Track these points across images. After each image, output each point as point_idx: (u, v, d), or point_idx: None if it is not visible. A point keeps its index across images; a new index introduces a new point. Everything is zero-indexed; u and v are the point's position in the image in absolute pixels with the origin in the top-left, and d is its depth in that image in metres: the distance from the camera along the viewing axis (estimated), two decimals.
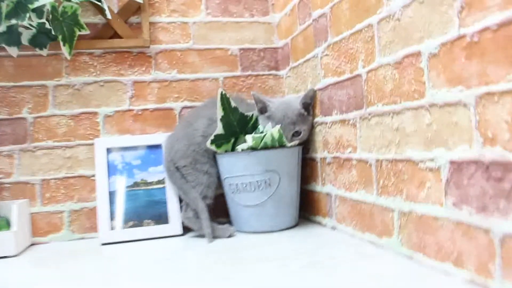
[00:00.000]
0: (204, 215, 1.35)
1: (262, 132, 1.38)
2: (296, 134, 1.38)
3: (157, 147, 1.54)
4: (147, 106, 1.60)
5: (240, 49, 1.69)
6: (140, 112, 1.59)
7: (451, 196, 0.81)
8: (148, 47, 1.59)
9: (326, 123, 1.31)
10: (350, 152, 1.18)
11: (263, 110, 1.41)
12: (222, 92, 1.36)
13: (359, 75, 1.11)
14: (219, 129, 1.37)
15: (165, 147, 1.48)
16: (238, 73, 1.69)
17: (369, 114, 1.07)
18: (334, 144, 1.28)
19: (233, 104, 1.38)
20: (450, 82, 0.80)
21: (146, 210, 1.47)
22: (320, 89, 1.34)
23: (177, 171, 1.43)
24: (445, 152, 0.82)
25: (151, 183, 1.51)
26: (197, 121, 1.46)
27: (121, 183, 1.49)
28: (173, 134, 1.49)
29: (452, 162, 0.81)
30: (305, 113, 1.38)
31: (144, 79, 1.60)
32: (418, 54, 0.88)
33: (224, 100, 1.36)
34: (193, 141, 1.43)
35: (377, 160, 1.05)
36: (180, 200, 1.45)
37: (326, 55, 1.28)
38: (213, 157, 1.43)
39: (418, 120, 0.89)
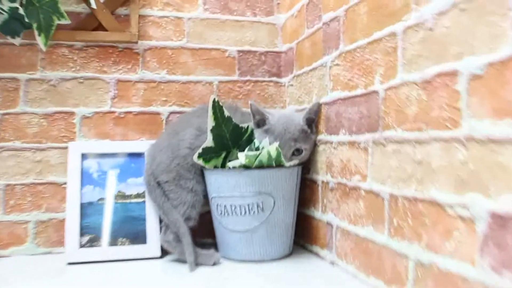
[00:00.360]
0: (186, 239, 1.18)
1: (257, 148, 1.21)
2: (297, 152, 1.20)
3: (138, 155, 1.37)
4: (131, 108, 1.43)
5: (239, 51, 1.52)
6: (122, 115, 1.42)
7: (488, 256, 0.64)
8: (136, 42, 1.42)
9: (332, 143, 1.14)
10: (358, 180, 1.01)
11: (260, 123, 1.24)
12: (214, 99, 1.18)
13: (375, 92, 0.94)
14: (208, 141, 1.20)
15: (147, 158, 1.31)
16: (235, 77, 1.51)
17: (385, 139, 0.90)
18: (339, 168, 1.10)
19: (226, 113, 1.21)
20: (497, 113, 0.63)
21: (122, 227, 1.30)
22: (327, 103, 1.17)
23: (158, 186, 1.25)
24: (484, 200, 0.65)
25: (129, 196, 1.34)
26: (184, 130, 1.28)
27: (95, 195, 1.32)
28: (156, 143, 1.32)
29: (493, 215, 0.64)
30: (308, 130, 1.22)
31: (129, 78, 1.43)
32: (454, 74, 0.71)
33: (217, 108, 1.19)
34: (178, 153, 1.25)
35: (392, 195, 0.88)
36: (160, 220, 1.28)
37: (337, 64, 1.11)
38: (200, 172, 1.26)
39: (449, 155, 0.72)
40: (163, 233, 1.24)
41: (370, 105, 0.96)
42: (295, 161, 1.21)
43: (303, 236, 1.34)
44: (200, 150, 1.19)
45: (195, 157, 1.19)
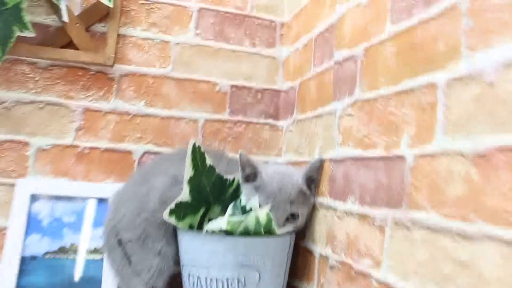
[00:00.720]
0: None
1: (243, 207, 0.98)
2: (292, 218, 0.98)
3: (101, 201, 1.14)
4: (98, 143, 1.20)
5: (232, 86, 1.31)
6: (87, 151, 1.19)
7: None
8: (112, 66, 1.20)
9: (336, 211, 0.92)
10: (369, 265, 0.79)
11: (251, 177, 1.01)
12: (194, 144, 0.96)
13: (400, 157, 0.72)
14: (184, 194, 0.97)
15: (109, 208, 1.07)
16: (225, 116, 1.29)
17: (412, 222, 0.68)
18: (344, 244, 0.88)
19: (208, 162, 0.98)
20: None
21: None
22: (334, 161, 0.95)
23: (118, 246, 1.02)
24: None
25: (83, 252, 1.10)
26: (156, 178, 1.06)
27: (42, 246, 1.08)
28: (122, 190, 1.08)
29: None
30: (308, 192, 1.00)
31: (100, 108, 1.21)
32: None
33: (197, 154, 0.97)
34: (147, 207, 1.02)
35: None
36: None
37: (350, 115, 0.90)
38: (172, 231, 1.03)
39: None
40: None
41: (392, 173, 0.74)
42: (289, 228, 0.98)
43: None
44: (172, 205, 0.96)
45: (165, 213, 0.96)
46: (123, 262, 1.00)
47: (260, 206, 0.96)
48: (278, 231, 0.95)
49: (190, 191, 0.97)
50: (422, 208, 0.66)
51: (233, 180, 1.03)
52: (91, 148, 1.19)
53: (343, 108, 0.93)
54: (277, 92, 1.33)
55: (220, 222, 0.92)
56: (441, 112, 0.64)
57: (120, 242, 1.02)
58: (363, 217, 0.82)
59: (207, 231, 0.95)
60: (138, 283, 0.98)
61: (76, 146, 1.18)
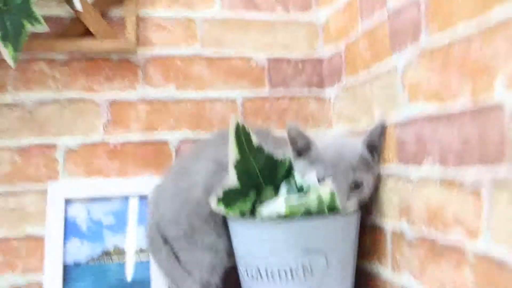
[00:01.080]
0: None
1: (300, 187, 0.87)
2: (356, 186, 0.86)
3: (141, 198, 1.04)
4: (130, 137, 1.11)
5: (269, 59, 1.19)
6: (118, 146, 1.10)
7: None
8: (135, 51, 1.11)
9: (409, 178, 0.80)
10: (461, 237, 0.66)
11: (303, 150, 0.90)
12: (238, 122, 0.85)
13: (496, 107, 0.60)
14: (232, 180, 0.87)
15: (150, 206, 0.98)
16: (265, 92, 1.18)
17: None
18: (423, 216, 0.76)
19: (255, 141, 0.87)
20: None
21: None
22: (400, 124, 0.83)
23: (164, 244, 0.93)
24: None
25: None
26: (196, 166, 0.96)
27: (83, 251, 0.99)
28: (160, 185, 0.99)
29: None
30: (370, 159, 0.88)
31: (127, 98, 1.11)
32: None
33: (241, 135, 0.86)
34: (190, 198, 0.93)
35: None
36: None
37: (416, 66, 0.77)
38: (222, 222, 0.93)
39: None
40: None
41: (484, 125, 0.62)
42: (354, 202, 0.86)
43: None
44: (220, 193, 0.86)
45: (213, 202, 0.86)
46: (172, 261, 0.91)
47: (318, 180, 0.84)
48: (343, 204, 0.83)
49: (238, 176, 0.87)
50: None
51: (285, 159, 0.91)
52: (123, 143, 1.10)
53: (406, 60, 0.80)
54: (319, 60, 1.21)
55: (277, 206, 0.81)
56: None
57: (165, 240, 0.93)
58: (447, 182, 0.69)
59: (262, 217, 0.84)
60: (190, 282, 0.88)
61: (106, 143, 1.10)
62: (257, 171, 0.89)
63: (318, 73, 1.21)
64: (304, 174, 0.88)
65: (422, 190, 0.76)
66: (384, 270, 0.90)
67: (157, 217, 0.94)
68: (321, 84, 1.21)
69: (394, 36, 0.84)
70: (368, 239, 0.96)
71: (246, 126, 0.87)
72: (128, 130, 1.11)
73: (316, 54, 1.22)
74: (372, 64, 0.93)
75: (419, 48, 0.76)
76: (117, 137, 1.10)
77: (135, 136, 1.11)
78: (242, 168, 0.87)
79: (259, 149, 0.88)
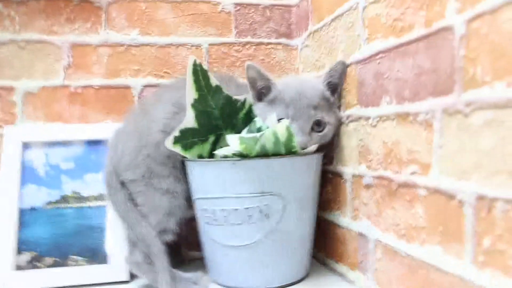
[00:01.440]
0: (161, 262, 0.84)
1: (259, 129, 0.85)
2: (318, 126, 0.84)
3: (101, 143, 1.02)
4: (91, 81, 1.07)
5: (236, 4, 1.15)
6: (80, 90, 1.06)
7: None
8: None
9: (368, 119, 0.78)
10: (414, 172, 0.65)
11: (264, 92, 0.88)
12: (195, 61, 0.82)
13: (447, 29, 0.58)
14: (188, 120, 0.84)
15: (109, 149, 0.95)
16: (231, 38, 1.14)
17: (469, 105, 0.54)
18: (381, 155, 0.74)
19: (214, 81, 0.85)
20: None
21: (75, 241, 0.95)
22: (360, 62, 0.81)
23: (121, 188, 0.90)
24: None
25: (86, 199, 0.99)
26: (156, 108, 0.93)
27: (40, 197, 0.97)
28: (121, 129, 0.96)
29: None
30: (331, 98, 0.86)
31: (89, 41, 1.07)
32: None
33: (199, 73, 0.83)
34: (148, 140, 0.90)
35: (481, 198, 0.52)
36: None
37: (375, 1, 0.75)
38: (181, 166, 0.91)
39: None
40: (129, 252, 0.89)
41: (437, 52, 0.60)
42: (315, 143, 0.84)
43: (324, 248, 0.98)
44: (176, 132, 0.83)
45: (168, 142, 0.83)
46: (128, 205, 0.89)
47: (279, 121, 0.82)
48: (304, 143, 0.81)
49: (196, 115, 0.85)
50: (483, 83, 0.51)
51: (245, 100, 0.89)
52: (84, 87, 1.06)
53: None
54: (287, 7, 1.17)
55: (232, 144, 0.79)
56: None
57: (122, 183, 0.91)
58: (402, 116, 0.68)
59: (218, 157, 0.82)
60: (145, 226, 0.86)
61: (67, 86, 1.06)
62: (216, 113, 0.86)
63: (287, 21, 1.17)
64: (265, 117, 0.86)
65: (380, 130, 0.74)
66: (344, 219, 0.89)
67: (115, 160, 0.91)
68: (289, 33, 1.17)
69: None
70: (329, 188, 0.95)
71: (204, 66, 0.84)
72: (90, 74, 1.06)
73: (285, 0, 1.17)
74: (336, 6, 0.90)
75: None
76: (78, 81, 1.06)
77: (97, 80, 1.07)
78: (200, 108, 0.85)
79: (218, 89, 0.86)
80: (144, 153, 0.89)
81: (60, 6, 1.05)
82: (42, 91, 1.04)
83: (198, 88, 0.84)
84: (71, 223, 0.96)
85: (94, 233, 0.95)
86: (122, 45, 1.08)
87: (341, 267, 0.91)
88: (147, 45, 1.09)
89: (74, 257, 0.93)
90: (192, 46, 1.11)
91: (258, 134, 0.77)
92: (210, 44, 1.13)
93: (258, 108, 0.88)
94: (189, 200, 0.91)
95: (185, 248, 1.07)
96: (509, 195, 0.48)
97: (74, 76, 1.06)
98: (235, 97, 0.88)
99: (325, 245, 0.98)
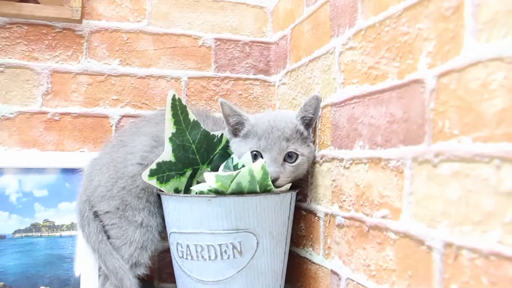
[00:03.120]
0: None
1: (236, 166, 0.86)
2: (290, 157, 0.86)
3: (76, 172, 1.01)
4: (69, 109, 1.07)
5: (217, 40, 1.17)
6: (57, 117, 1.06)
7: None
8: (80, 21, 1.07)
9: (341, 161, 0.80)
10: (385, 216, 0.67)
11: (237, 126, 0.89)
12: (174, 95, 0.84)
13: (418, 81, 0.60)
14: (166, 153, 0.85)
15: (83, 178, 0.95)
16: (210, 72, 1.16)
17: (437, 155, 0.56)
18: (353, 197, 0.76)
19: (192, 116, 0.86)
20: None
21: (46, 271, 0.94)
22: (335, 104, 0.83)
23: (94, 219, 0.90)
24: None
25: (59, 228, 0.97)
26: (134, 141, 0.93)
27: (11, 224, 0.95)
28: (97, 159, 0.96)
29: None
30: (305, 132, 0.88)
31: (69, 69, 1.07)
32: None
33: (178, 107, 0.85)
34: (125, 173, 0.90)
35: (449, 245, 0.54)
36: (99, 267, 0.92)
37: (352, 48, 0.78)
38: (156, 199, 0.91)
39: None
40: (101, 285, 0.88)
41: (408, 102, 0.62)
42: (288, 175, 0.85)
43: (297, 285, 0.99)
44: (153, 165, 0.84)
45: (145, 174, 0.84)
46: (100, 237, 0.88)
47: (254, 154, 0.84)
48: (276, 174, 0.83)
49: (173, 149, 0.86)
50: (451, 136, 0.54)
51: (221, 135, 0.91)
52: (62, 114, 1.06)
53: (343, 43, 0.81)
54: (266, 44, 1.20)
55: (208, 181, 0.79)
56: (470, 14, 0.52)
57: (96, 215, 0.90)
58: (375, 161, 0.70)
59: (195, 192, 0.83)
60: (118, 259, 0.86)
61: (44, 113, 1.05)
62: (193, 147, 0.87)
63: (265, 58, 1.20)
64: (240, 151, 0.88)
65: (353, 172, 0.76)
66: (317, 256, 0.90)
67: (89, 190, 0.91)
68: (267, 70, 1.20)
69: (334, 19, 0.84)
70: (303, 225, 0.96)
71: (182, 100, 0.85)
72: (68, 101, 1.06)
73: (265, 38, 1.20)
74: (314, 48, 0.93)
75: (355, 29, 0.76)
76: (56, 108, 1.06)
77: (75, 108, 1.07)
78: (177, 142, 0.86)
79: (196, 124, 0.87)
80: (120, 185, 0.89)
81: (42, 33, 1.06)
82: (19, 117, 1.03)
83: (176, 122, 0.85)
84: (42, 253, 0.94)
85: (65, 263, 0.94)
86: (102, 74, 1.08)
87: None
88: (127, 75, 1.10)
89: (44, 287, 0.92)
90: (171, 78, 1.13)
91: (234, 173, 0.78)
92: (189, 77, 1.14)
93: (234, 143, 0.90)
94: (162, 233, 0.91)
95: (157, 280, 1.07)
96: (474, 244, 0.50)
97: (52, 102, 1.05)
98: (212, 132, 0.89)
99: (297, 281, 0.98)
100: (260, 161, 0.79)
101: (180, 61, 1.14)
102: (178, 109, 0.84)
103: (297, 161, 0.86)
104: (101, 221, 0.90)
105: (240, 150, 0.87)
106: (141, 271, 0.88)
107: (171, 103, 0.83)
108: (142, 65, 1.11)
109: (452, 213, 0.54)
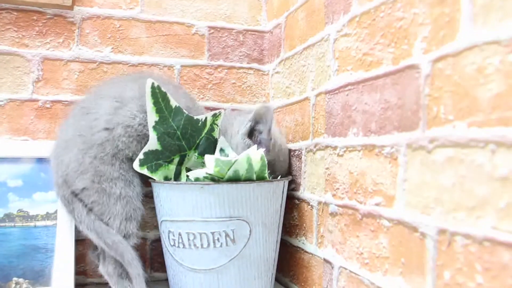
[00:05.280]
0: (136, 269, 0.84)
1: (222, 150, 0.86)
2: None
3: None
4: (61, 96, 1.05)
5: (210, 28, 1.16)
6: (48, 105, 1.04)
7: None
8: (71, 8, 1.05)
9: (335, 148, 0.80)
10: (379, 204, 0.67)
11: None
12: (153, 83, 0.82)
13: (413, 67, 0.60)
14: (152, 142, 0.84)
15: (53, 161, 0.90)
16: (203, 61, 1.15)
17: (432, 141, 0.56)
18: (347, 185, 0.76)
19: (173, 102, 0.85)
20: None
21: (19, 262, 0.91)
22: (329, 92, 0.82)
23: (75, 199, 0.87)
24: None
25: (34, 218, 0.95)
26: (96, 105, 0.89)
27: None
28: (59, 140, 0.91)
29: None
30: (251, 144, 0.89)
31: (60, 56, 1.06)
32: None
33: (159, 95, 0.83)
34: (93, 141, 0.86)
35: (442, 232, 0.54)
36: (96, 247, 0.91)
37: (346, 34, 0.77)
38: (130, 166, 0.87)
39: None
40: (101, 264, 0.88)
41: (403, 88, 0.62)
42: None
43: (290, 274, 0.98)
44: (141, 155, 0.83)
45: (135, 164, 0.83)
46: (87, 215, 0.86)
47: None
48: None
49: (158, 137, 0.84)
50: (446, 121, 0.54)
51: (205, 119, 0.89)
52: (54, 102, 1.04)
53: (337, 30, 0.80)
54: (260, 33, 1.19)
55: (207, 165, 0.79)
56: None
57: (75, 194, 0.87)
58: (368, 148, 0.69)
59: (190, 179, 0.82)
60: (116, 234, 0.85)
61: (35, 100, 1.03)
62: (178, 134, 0.86)
63: (259, 47, 1.19)
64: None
65: (346, 160, 0.76)
66: (310, 245, 0.90)
67: (61, 170, 0.87)
68: (261, 59, 1.19)
69: (329, 6, 0.84)
70: (296, 214, 0.96)
71: (161, 87, 0.84)
72: (59, 89, 1.04)
73: (258, 26, 1.19)
74: (308, 36, 0.92)
75: (350, 16, 0.75)
76: (47, 96, 1.04)
77: (66, 95, 1.05)
78: (161, 130, 0.84)
79: (178, 110, 0.86)
80: (91, 155, 0.85)
81: (33, 19, 1.03)
82: (8, 104, 1.02)
83: (158, 110, 0.84)
84: (16, 243, 0.92)
85: (40, 254, 0.92)
86: (94, 61, 1.07)
87: None
88: (119, 63, 1.08)
89: (17, 278, 0.90)
90: (164, 66, 1.11)
91: (233, 159, 0.77)
92: (182, 66, 1.12)
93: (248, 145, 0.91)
94: (144, 202, 0.90)
95: (149, 269, 1.06)
96: (468, 230, 0.50)
97: (43, 90, 1.04)
98: (196, 116, 0.88)
99: (290, 270, 0.98)
100: (259, 150, 0.79)
101: (173, 49, 1.12)
102: (159, 97, 0.83)
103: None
104: (80, 200, 0.86)
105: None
106: (133, 241, 0.86)
107: (151, 91, 0.82)
108: (135, 52, 1.10)
109: (446, 199, 0.53)
